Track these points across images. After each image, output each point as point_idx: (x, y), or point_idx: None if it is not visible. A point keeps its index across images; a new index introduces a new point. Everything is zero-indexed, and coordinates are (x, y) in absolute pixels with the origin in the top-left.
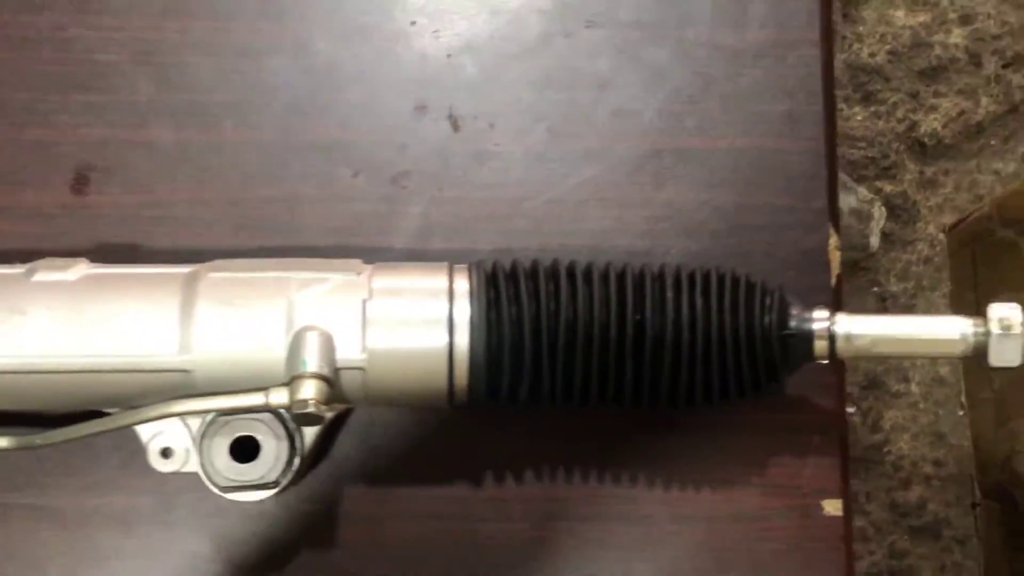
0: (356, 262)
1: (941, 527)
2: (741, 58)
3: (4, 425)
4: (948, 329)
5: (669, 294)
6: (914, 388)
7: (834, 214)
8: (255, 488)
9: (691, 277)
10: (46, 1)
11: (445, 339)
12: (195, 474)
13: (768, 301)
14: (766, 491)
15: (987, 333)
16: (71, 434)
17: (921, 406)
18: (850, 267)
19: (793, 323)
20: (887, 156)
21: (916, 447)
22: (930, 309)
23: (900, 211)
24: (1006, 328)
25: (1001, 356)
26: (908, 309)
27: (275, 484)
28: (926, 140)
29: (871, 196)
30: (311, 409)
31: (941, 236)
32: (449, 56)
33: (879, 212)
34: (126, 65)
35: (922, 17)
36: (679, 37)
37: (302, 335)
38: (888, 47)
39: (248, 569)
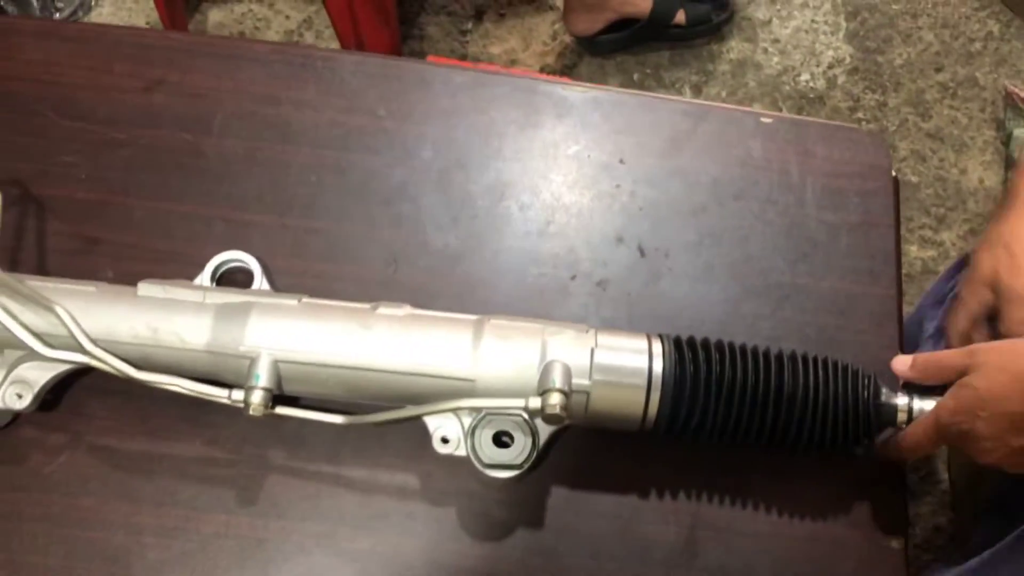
0: (583, 325)
1: None
2: (839, 229)
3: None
4: None
5: (800, 367)
6: None
7: (901, 342)
8: (507, 468)
9: (814, 359)
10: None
11: (644, 384)
12: (461, 459)
13: (867, 381)
14: (847, 525)
15: None
16: (394, 415)
17: None
18: None
19: (883, 397)
20: None
21: None
22: None
23: None
24: None
25: None
26: None
27: (520, 467)
28: None
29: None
30: (557, 411)
31: None
32: (640, 208)
33: None
34: (429, 194)
35: (930, 252)
36: (797, 211)
37: (551, 364)
38: (904, 272)
39: (482, 534)
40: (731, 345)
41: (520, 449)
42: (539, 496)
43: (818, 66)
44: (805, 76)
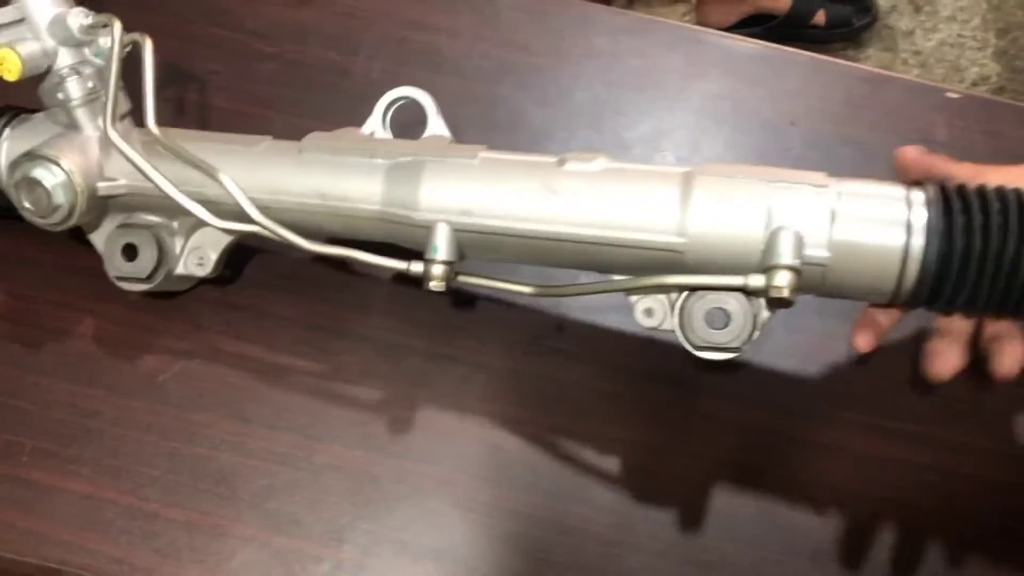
0: (821, 175)
1: None
2: None
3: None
4: None
5: None
6: None
7: None
8: (722, 350)
9: None
10: None
11: (902, 239)
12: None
13: None
14: None
15: None
16: (583, 290)
17: None
18: None
19: None
20: None
21: None
22: None
23: None
24: None
25: None
26: None
27: (738, 350)
28: None
29: None
30: (785, 295)
31: None
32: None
33: None
34: None
35: None
36: None
37: (779, 233)
38: None
39: (610, 501)
40: (1019, 193)
41: (739, 329)
42: (674, 468)
43: (961, 82)
44: None
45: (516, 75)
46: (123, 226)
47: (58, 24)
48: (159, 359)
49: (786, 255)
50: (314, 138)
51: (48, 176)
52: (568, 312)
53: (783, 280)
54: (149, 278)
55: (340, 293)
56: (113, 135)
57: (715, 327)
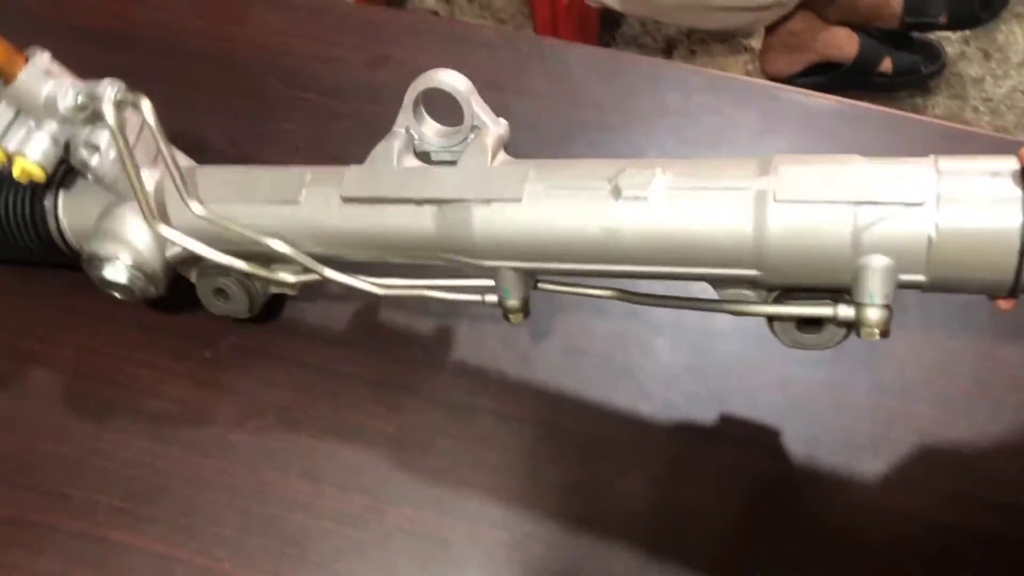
0: (917, 163)
1: None
2: None
3: None
4: None
5: None
6: None
7: None
8: (816, 348)
9: None
10: None
11: (1019, 219)
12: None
13: None
14: None
15: None
16: (665, 303)
17: None
18: None
19: None
20: None
21: None
22: None
23: None
24: None
25: None
26: None
27: (834, 346)
28: None
29: None
30: (876, 337)
31: None
32: None
33: None
34: None
35: None
36: None
37: (867, 268)
38: None
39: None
40: None
41: (831, 334)
42: (764, 542)
43: None
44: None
45: (587, 133)
46: (208, 268)
47: (51, 107)
48: (232, 418)
49: (876, 294)
50: (352, 180)
51: (117, 274)
52: (644, 368)
53: (873, 318)
54: (248, 311)
55: (409, 351)
56: (159, 230)
57: (807, 332)
